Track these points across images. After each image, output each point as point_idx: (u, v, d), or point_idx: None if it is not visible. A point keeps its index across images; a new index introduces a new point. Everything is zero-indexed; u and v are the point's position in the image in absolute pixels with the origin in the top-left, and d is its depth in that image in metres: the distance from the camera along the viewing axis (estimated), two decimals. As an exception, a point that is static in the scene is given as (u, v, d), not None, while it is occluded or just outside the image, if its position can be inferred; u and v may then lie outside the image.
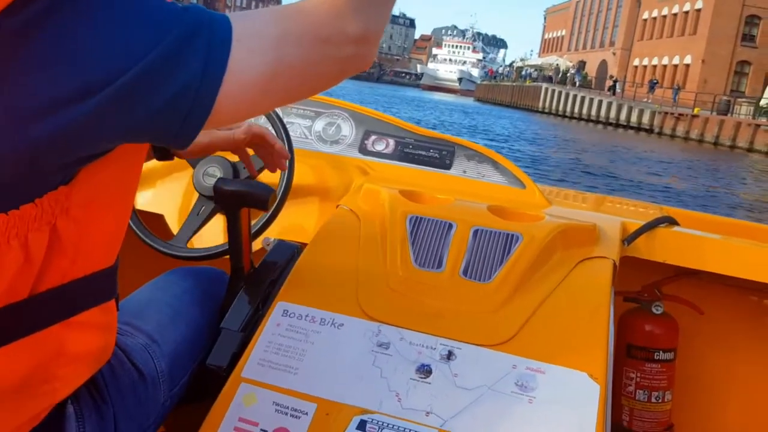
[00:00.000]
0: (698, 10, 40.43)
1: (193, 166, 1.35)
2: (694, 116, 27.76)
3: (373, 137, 1.61)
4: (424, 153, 1.58)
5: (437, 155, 1.57)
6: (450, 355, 0.96)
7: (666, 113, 29.53)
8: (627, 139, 25.77)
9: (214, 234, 1.39)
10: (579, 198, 1.86)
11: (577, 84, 41.86)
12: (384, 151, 1.59)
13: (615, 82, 36.95)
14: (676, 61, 42.65)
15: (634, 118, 31.31)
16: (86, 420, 0.78)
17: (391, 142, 1.60)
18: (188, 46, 0.60)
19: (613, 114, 32.89)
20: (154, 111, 0.60)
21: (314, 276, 1.11)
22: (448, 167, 1.55)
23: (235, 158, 1.30)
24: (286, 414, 0.91)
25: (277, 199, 1.28)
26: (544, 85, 43.12)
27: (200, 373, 1.01)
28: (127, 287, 0.95)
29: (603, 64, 53.07)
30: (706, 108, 28.85)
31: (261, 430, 0.90)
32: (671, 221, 1.39)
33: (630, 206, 1.70)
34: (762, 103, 26.44)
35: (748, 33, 38.93)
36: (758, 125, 24.31)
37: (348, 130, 1.63)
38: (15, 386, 0.66)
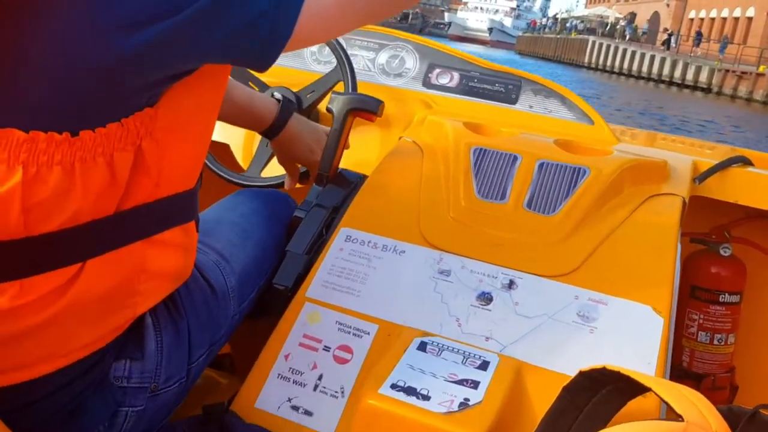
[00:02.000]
0: (766, -43, 37.96)
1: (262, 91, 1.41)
2: (760, 74, 26.16)
3: (438, 70, 1.63)
4: (489, 87, 1.58)
5: (503, 89, 1.57)
6: (511, 284, 1.00)
7: (727, 71, 28.09)
8: (682, 99, 24.36)
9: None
10: (650, 137, 1.84)
11: (627, 37, 39.94)
12: (448, 85, 1.61)
13: (670, 35, 35.22)
14: (737, 13, 40.50)
15: (689, 76, 29.91)
16: (163, 331, 0.84)
17: (456, 75, 1.61)
18: None
19: (666, 71, 31.48)
20: (235, 32, 0.64)
21: (377, 204, 1.16)
22: (513, 102, 1.56)
23: (297, 87, 1.42)
24: (349, 333, 0.97)
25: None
26: (591, 38, 41.80)
27: (266, 291, 1.07)
28: None
29: (655, 16, 50.90)
30: (771, 65, 27.12)
31: (325, 346, 0.97)
32: (745, 161, 1.39)
33: (703, 147, 1.70)
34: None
35: (821, -17, 36.47)
36: (832, 85, 22.72)
37: (412, 62, 1.65)
38: (100, 298, 0.72)
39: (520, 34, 70.32)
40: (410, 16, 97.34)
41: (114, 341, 0.78)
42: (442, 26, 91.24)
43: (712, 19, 43.66)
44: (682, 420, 0.61)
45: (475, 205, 1.11)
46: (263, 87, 1.43)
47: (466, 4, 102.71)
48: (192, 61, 0.68)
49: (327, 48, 1.51)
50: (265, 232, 1.10)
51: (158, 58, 0.63)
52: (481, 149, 1.19)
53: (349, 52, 1.60)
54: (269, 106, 1.18)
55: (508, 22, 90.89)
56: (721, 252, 1.41)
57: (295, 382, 0.94)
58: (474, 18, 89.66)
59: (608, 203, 1.11)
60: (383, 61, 1.66)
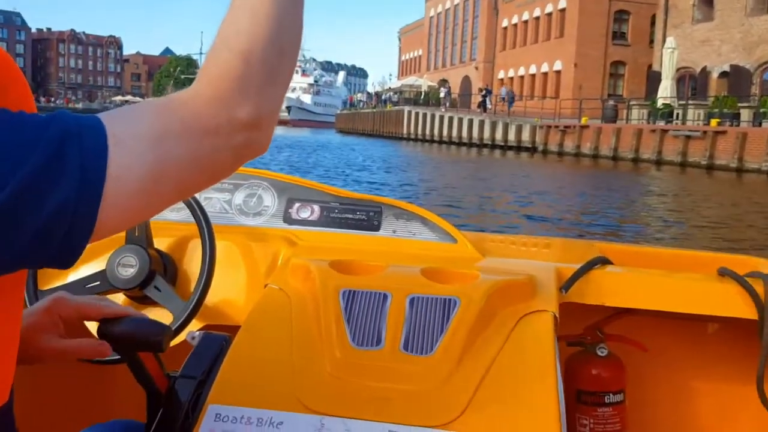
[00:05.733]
0: (562, 11, 39.13)
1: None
2: (584, 127, 24.52)
3: (297, 205, 1.65)
4: (351, 216, 1.61)
5: (365, 217, 1.61)
6: None
7: (550, 126, 26.36)
8: (506, 167, 21.55)
9: None
10: (510, 243, 1.85)
11: (448, 104, 38.43)
12: (310, 218, 1.63)
13: (484, 96, 33.57)
14: (545, 68, 40.80)
15: (512, 137, 28.11)
16: None
17: (316, 208, 1.64)
18: (57, 161, 0.56)
19: (487, 134, 29.43)
20: (26, 241, 0.58)
21: (246, 370, 1.11)
22: (377, 228, 1.60)
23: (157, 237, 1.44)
24: None
25: (198, 293, 1.31)
26: (407, 108, 40.10)
27: None
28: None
29: (466, 80, 51.13)
30: (592, 117, 25.71)
31: None
32: (604, 261, 1.45)
33: (564, 246, 1.74)
34: (659, 103, 23.45)
35: (618, 30, 37.78)
36: (665, 131, 21.13)
37: (270, 199, 1.66)
38: None
39: (338, 111, 68.64)
40: None
41: None
42: None
43: (522, 77, 43.86)
44: None
45: (350, 355, 1.09)
46: None
47: None
48: None
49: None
50: None
51: None
52: (350, 291, 1.19)
53: (202, 195, 1.57)
54: None
55: (307, 98, 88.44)
56: (598, 353, 1.45)
57: None
58: None
59: (483, 332, 1.13)
60: (240, 201, 1.65)
